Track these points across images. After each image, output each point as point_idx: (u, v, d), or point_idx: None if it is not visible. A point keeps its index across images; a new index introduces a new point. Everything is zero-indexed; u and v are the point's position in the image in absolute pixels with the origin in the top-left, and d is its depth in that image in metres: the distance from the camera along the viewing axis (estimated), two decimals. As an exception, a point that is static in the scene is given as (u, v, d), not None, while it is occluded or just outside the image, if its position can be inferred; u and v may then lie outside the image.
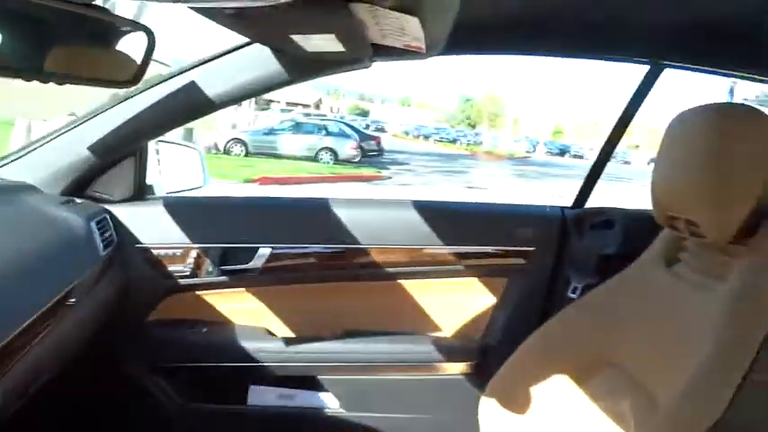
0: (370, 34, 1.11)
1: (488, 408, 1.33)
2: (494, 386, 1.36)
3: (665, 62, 1.52)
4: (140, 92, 1.42)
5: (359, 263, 1.58)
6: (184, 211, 1.56)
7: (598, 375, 1.24)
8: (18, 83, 1.20)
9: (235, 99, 1.41)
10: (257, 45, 1.34)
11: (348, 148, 16.46)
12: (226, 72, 1.38)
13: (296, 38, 1.07)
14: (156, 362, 1.55)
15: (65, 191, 1.45)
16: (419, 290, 1.61)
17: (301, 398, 1.60)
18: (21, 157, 1.45)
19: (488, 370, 1.43)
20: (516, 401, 1.31)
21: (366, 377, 1.59)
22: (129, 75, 0.88)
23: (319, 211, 1.59)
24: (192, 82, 1.38)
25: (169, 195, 1.67)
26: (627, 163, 40.92)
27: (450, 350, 1.58)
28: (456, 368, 1.59)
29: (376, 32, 1.11)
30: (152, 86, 1.42)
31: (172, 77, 1.40)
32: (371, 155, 17.58)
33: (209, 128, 15.49)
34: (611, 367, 1.23)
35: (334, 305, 1.62)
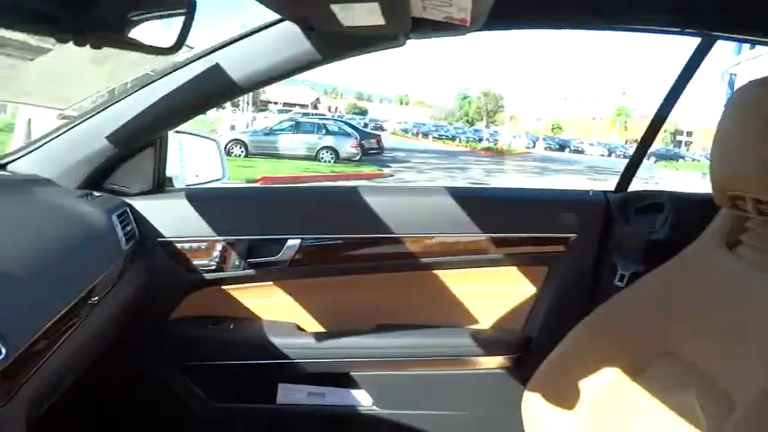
0: (412, 5, 1.04)
1: (532, 403, 1.27)
2: (538, 380, 1.31)
3: (716, 34, 1.45)
4: (159, 78, 1.35)
5: (392, 253, 1.50)
6: (207, 202, 1.48)
7: (654, 366, 1.17)
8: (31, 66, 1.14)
9: (261, 82, 1.33)
10: (285, 23, 1.27)
11: (349, 147, 16.44)
12: (252, 53, 1.30)
13: (336, 9, 1.00)
14: (181, 360, 1.48)
15: (81, 185, 1.38)
16: (455, 280, 1.54)
17: (333, 396, 1.53)
18: (33, 150, 1.38)
19: (530, 363, 1.37)
20: (563, 395, 1.25)
21: (401, 373, 1.52)
22: (170, 41, 0.82)
23: (349, 199, 1.52)
24: (216, 65, 1.31)
25: (190, 187, 1.59)
26: (628, 158, 40.98)
27: (489, 343, 1.51)
28: (495, 362, 1.52)
29: (417, 4, 1.04)
30: (172, 71, 1.34)
31: (193, 61, 1.33)
32: (372, 153, 17.57)
33: (209, 130, 15.42)
34: (668, 357, 1.16)
35: (367, 298, 1.55)
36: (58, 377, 1.01)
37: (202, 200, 1.48)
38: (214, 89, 1.35)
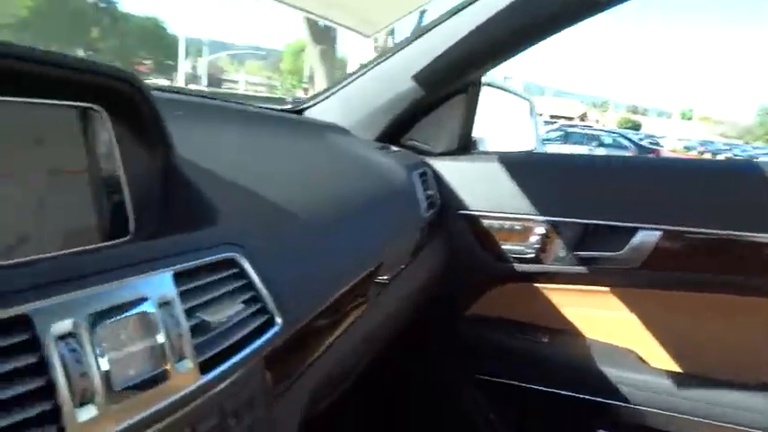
0: None
1: None
2: None
3: None
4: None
5: None
6: (526, 172, 1.11)
7: None
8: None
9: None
10: None
11: (623, 161, 15.07)
12: None
13: None
14: (474, 370, 1.14)
15: (378, 137, 1.13)
16: None
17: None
18: (328, 96, 1.18)
19: None
20: None
21: None
22: None
23: (743, 177, 0.99)
24: None
25: (503, 152, 1.24)
26: None
27: None
28: None
29: None
30: None
31: None
32: (650, 169, 15.82)
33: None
34: None
35: (752, 331, 1.00)
36: (349, 365, 0.78)
37: (520, 168, 1.12)
38: (552, 11, 0.96)
